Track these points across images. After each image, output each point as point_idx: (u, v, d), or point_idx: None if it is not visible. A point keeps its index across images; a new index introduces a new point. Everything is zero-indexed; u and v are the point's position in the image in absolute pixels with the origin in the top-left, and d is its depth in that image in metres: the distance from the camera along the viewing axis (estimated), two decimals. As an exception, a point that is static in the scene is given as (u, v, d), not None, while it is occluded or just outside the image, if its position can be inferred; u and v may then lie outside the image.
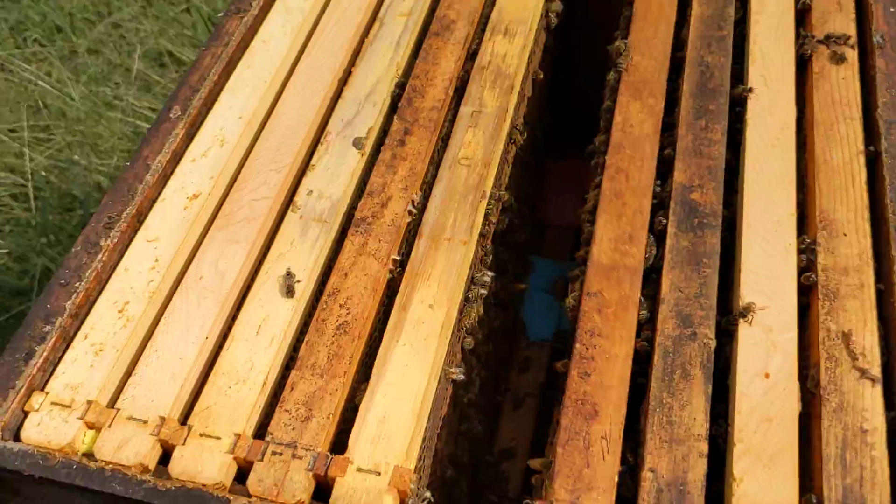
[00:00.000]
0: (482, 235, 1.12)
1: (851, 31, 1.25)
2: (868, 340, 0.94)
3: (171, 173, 1.15)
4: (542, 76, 1.40)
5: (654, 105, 1.19)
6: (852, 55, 1.22)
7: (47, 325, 0.98)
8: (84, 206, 2.51)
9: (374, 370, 0.94)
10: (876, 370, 0.92)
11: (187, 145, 1.18)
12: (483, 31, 1.32)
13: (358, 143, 1.18)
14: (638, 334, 0.97)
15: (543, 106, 1.63)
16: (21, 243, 2.53)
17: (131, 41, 3.18)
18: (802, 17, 1.30)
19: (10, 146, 2.75)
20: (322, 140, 1.19)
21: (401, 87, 1.25)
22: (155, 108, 2.71)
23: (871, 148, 1.11)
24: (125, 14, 3.28)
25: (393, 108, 1.23)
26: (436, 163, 1.17)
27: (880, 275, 1.00)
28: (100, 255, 1.04)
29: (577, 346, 0.96)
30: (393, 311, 1.00)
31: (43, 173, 2.68)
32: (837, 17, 1.27)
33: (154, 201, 1.12)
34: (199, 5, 3.10)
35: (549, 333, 1.71)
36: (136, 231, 1.09)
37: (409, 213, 1.10)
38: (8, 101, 3.07)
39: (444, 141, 1.20)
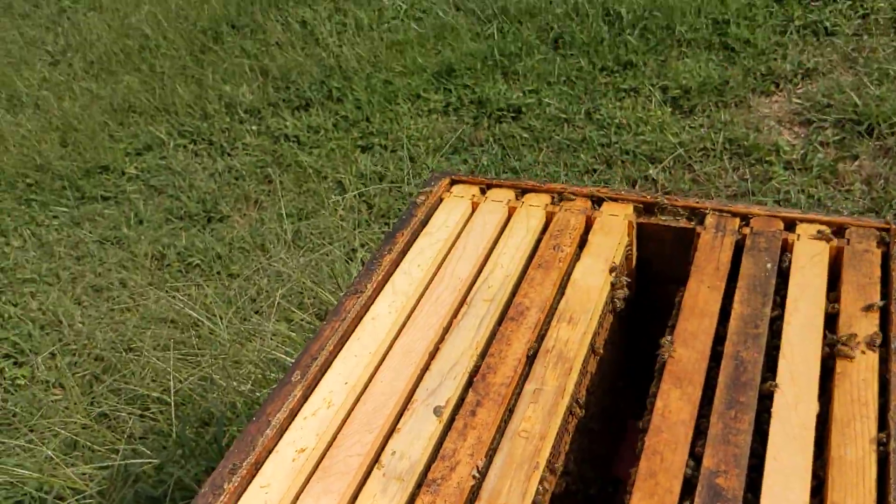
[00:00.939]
0: (535, 502, 1.31)
1: (874, 335, 1.42)
2: None
3: (287, 428, 1.42)
4: (602, 353, 1.62)
5: (692, 393, 1.39)
6: (873, 358, 1.39)
7: (175, 553, 1.23)
8: (219, 423, 2.84)
9: None
10: None
11: (302, 405, 1.46)
12: (552, 317, 1.57)
13: (437, 411, 1.42)
14: None
15: (615, 375, 1.84)
16: (160, 453, 2.87)
17: (279, 273, 3.64)
18: (831, 319, 1.49)
19: (162, 364, 3.16)
20: (409, 406, 1.44)
21: (478, 364, 1.50)
22: (289, 339, 3.08)
23: (882, 448, 1.26)
24: (274, 250, 3.77)
25: (470, 382, 1.47)
26: (501, 432, 1.39)
27: (881, 569, 1.12)
28: (222, 497, 1.30)
29: None
30: (449, 566, 1.19)
31: (187, 389, 3.06)
32: (862, 322, 1.45)
33: (270, 452, 1.39)
34: (335, 248, 3.55)
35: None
36: (252, 477, 1.35)
37: (473, 477, 1.31)
38: (166, 322, 3.54)
39: (510, 412, 1.42)
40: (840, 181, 3.67)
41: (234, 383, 2.95)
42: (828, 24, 4.50)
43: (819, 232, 1.63)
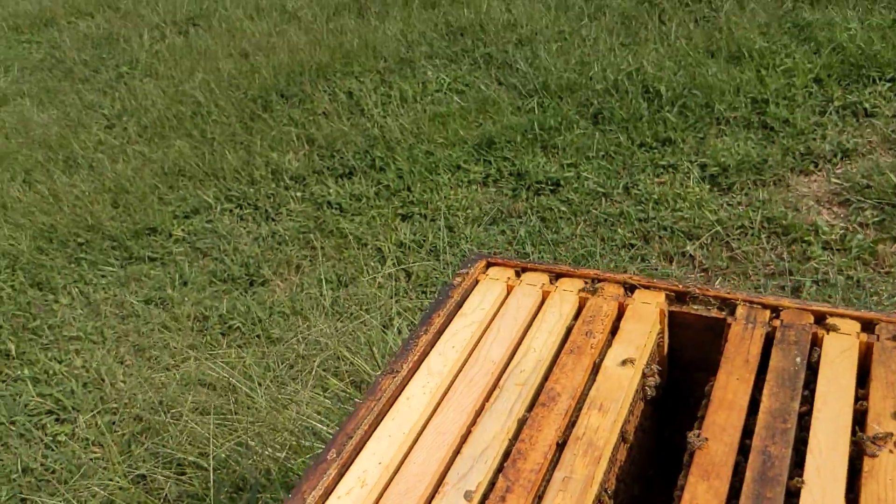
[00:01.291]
0: (561, 590, 1.33)
1: (903, 434, 1.43)
2: None
3: (320, 506, 1.46)
4: (631, 440, 1.65)
5: (719, 487, 1.40)
6: (902, 458, 1.40)
7: None
8: (252, 489, 2.88)
9: None
10: None
11: (336, 483, 1.50)
12: (582, 404, 1.60)
13: (468, 496, 1.45)
14: None
15: (645, 463, 1.85)
16: (195, 517, 2.91)
17: (317, 340, 3.71)
18: (860, 416, 1.50)
19: (199, 429, 3.22)
20: (440, 489, 1.47)
21: (508, 448, 1.53)
22: (325, 408, 3.13)
23: (909, 551, 1.26)
24: (313, 317, 3.84)
25: (500, 467, 1.50)
26: (529, 519, 1.41)
27: None
28: (256, 574, 1.34)
29: None
30: None
31: (222, 454, 3.11)
32: (891, 421, 1.46)
33: (304, 529, 1.43)
34: (372, 318, 3.62)
35: None
36: (286, 554, 1.39)
37: (501, 564, 1.33)
38: (205, 385, 3.61)
39: (539, 500, 1.44)
40: (880, 263, 3.66)
41: (270, 450, 3.00)
42: (867, 105, 4.54)
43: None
